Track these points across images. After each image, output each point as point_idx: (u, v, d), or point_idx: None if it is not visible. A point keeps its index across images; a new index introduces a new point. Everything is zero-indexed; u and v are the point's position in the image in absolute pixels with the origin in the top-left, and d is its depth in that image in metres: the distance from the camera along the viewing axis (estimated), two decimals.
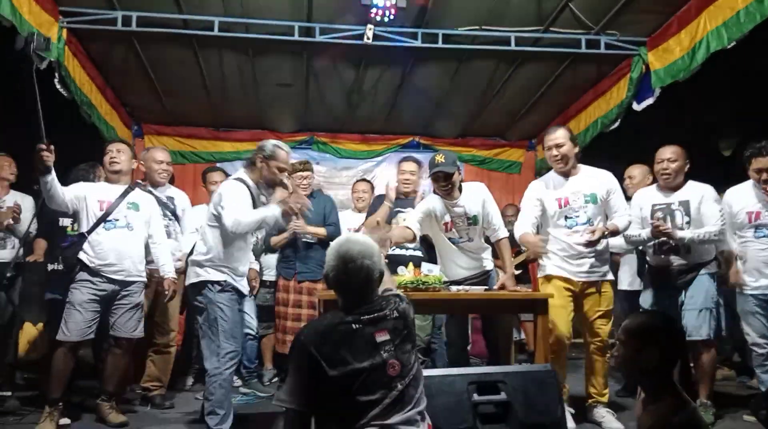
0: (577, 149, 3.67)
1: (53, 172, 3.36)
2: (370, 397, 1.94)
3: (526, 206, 3.74)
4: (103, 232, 3.66)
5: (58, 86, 4.57)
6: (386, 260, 4.17)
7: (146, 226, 3.87)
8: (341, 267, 2.08)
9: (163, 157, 4.41)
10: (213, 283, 3.29)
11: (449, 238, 3.83)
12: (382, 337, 2.01)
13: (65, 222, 4.28)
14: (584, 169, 3.71)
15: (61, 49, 4.42)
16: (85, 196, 3.69)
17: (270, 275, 4.91)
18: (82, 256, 3.59)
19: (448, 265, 3.89)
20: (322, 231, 4.54)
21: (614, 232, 3.59)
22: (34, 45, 3.15)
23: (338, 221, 4.72)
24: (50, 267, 4.20)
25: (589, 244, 3.50)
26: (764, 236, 3.71)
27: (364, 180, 5.63)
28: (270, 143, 3.42)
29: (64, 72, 4.52)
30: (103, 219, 3.67)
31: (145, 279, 3.86)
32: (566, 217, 3.63)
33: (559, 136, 3.64)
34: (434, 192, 3.84)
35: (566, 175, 3.69)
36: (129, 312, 3.72)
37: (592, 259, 3.60)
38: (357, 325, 2.01)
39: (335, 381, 1.93)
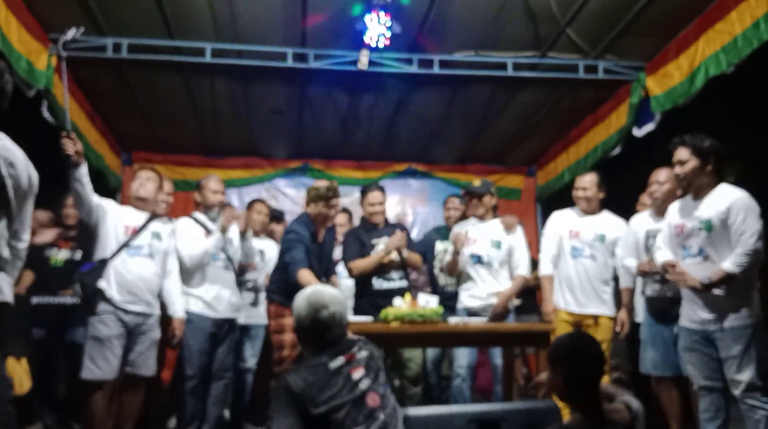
0: (602, 195, 3.96)
1: (82, 168, 3.24)
2: None
3: (547, 241, 3.96)
4: (127, 259, 3.47)
5: (46, 114, 4.44)
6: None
7: (164, 258, 3.70)
8: (314, 316, 2.24)
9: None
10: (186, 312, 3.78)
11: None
12: (358, 373, 2.20)
13: (50, 252, 4.23)
14: (605, 214, 3.99)
15: (50, 76, 4.30)
16: (107, 215, 3.50)
17: None
18: (102, 284, 3.38)
19: None
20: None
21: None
22: (65, 37, 3.42)
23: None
24: (35, 300, 4.07)
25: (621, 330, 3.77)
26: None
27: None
28: (202, 179, 4.22)
29: (52, 100, 4.40)
30: (127, 244, 3.49)
31: (159, 312, 3.67)
32: (573, 248, 3.75)
33: (586, 181, 3.99)
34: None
35: (587, 213, 3.98)
36: (150, 348, 3.54)
37: (593, 293, 3.68)
38: (334, 365, 2.18)
39: (320, 418, 2.07)
